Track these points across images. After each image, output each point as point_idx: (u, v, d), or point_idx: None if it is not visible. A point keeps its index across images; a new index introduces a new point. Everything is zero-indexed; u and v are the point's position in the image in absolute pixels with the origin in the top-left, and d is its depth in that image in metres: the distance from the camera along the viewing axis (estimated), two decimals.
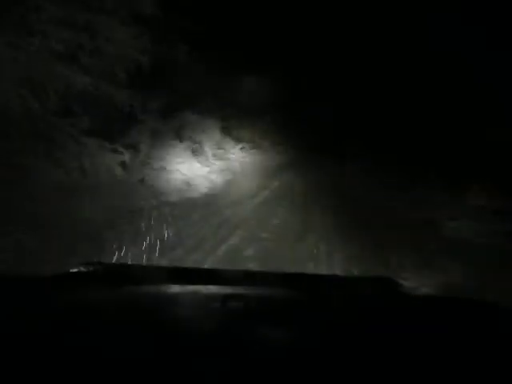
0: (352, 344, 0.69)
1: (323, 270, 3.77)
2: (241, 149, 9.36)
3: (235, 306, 0.84)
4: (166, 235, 4.24)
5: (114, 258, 3.41)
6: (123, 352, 0.61)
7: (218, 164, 7.99)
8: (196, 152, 7.74)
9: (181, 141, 7.53)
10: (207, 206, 5.66)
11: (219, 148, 8.47)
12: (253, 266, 3.70)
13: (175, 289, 1.00)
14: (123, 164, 5.99)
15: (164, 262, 3.58)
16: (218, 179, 7.30)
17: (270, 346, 0.66)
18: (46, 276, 1.02)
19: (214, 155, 8.16)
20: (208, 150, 8.11)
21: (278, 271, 1.74)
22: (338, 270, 3.82)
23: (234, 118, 9.09)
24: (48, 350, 0.60)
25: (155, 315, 0.80)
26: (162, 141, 7.09)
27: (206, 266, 3.47)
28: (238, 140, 9.42)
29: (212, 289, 1.00)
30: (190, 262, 3.68)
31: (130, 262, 3.39)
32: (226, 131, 8.94)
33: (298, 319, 0.82)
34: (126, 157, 6.15)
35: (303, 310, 0.91)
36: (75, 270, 1.10)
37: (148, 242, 3.97)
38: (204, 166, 7.49)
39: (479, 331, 0.79)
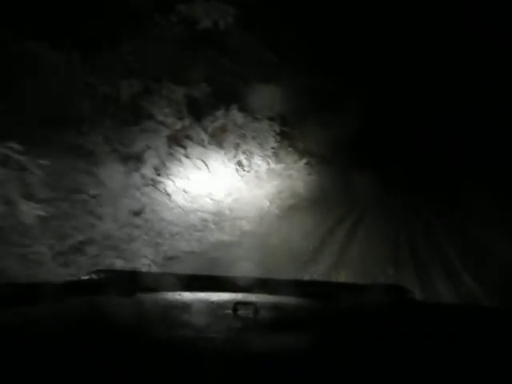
0: (362, 352, 0.69)
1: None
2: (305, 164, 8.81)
3: (246, 313, 0.84)
4: None
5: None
6: (134, 359, 0.62)
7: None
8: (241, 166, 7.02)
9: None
10: None
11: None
12: None
13: (186, 296, 1.01)
14: None
15: None
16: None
17: (280, 353, 0.67)
18: (59, 283, 1.04)
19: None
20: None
21: (290, 278, 1.71)
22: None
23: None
24: (63, 362, 0.60)
25: (166, 322, 0.81)
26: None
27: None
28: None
29: (223, 296, 1.01)
30: None
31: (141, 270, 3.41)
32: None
33: (309, 327, 0.82)
34: None
35: (314, 317, 0.92)
36: (86, 277, 1.12)
37: None
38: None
39: (491, 339, 0.77)
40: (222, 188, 6.35)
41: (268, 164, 7.67)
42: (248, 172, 7.11)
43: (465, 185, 7.98)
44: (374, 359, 0.66)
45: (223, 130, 6.77)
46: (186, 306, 0.95)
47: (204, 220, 5.37)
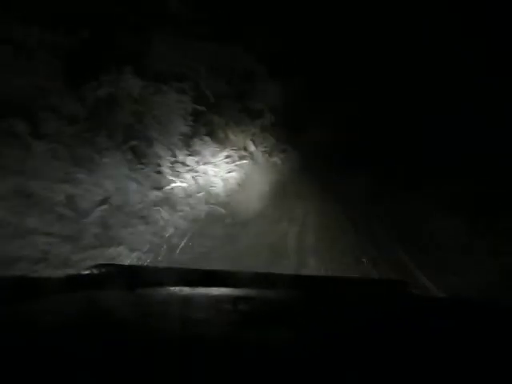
0: (363, 346, 0.68)
1: None
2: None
3: (246, 307, 0.84)
4: None
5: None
6: (135, 354, 0.60)
7: None
8: None
9: None
10: None
11: None
12: None
13: (186, 291, 1.00)
14: None
15: None
16: None
17: (279, 348, 0.66)
18: (60, 278, 1.03)
19: None
20: None
21: (290, 273, 1.66)
22: None
23: None
24: (62, 357, 0.58)
25: (167, 317, 0.80)
26: None
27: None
28: None
29: (223, 291, 1.01)
30: None
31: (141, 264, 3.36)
32: None
33: (309, 321, 0.81)
34: None
35: (313, 312, 0.89)
36: (87, 271, 1.10)
37: None
38: None
39: (492, 333, 0.76)
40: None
41: (174, 156, 5.58)
42: (144, 166, 4.88)
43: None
44: (373, 353, 0.66)
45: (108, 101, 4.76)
46: (185, 301, 0.93)
47: None
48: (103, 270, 1.13)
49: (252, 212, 6.44)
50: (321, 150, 15.01)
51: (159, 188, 4.80)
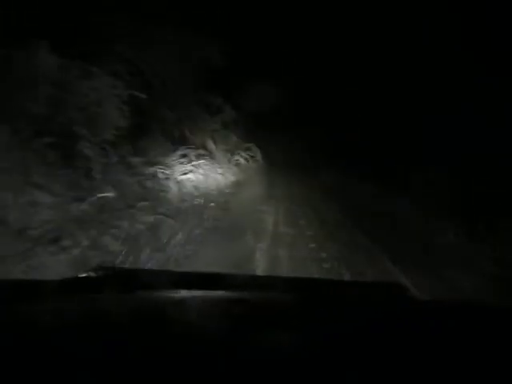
0: (358, 350, 0.68)
1: None
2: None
3: (240, 311, 0.84)
4: None
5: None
6: (130, 357, 0.60)
7: None
8: None
9: None
10: None
11: None
12: None
13: (181, 294, 0.99)
14: None
15: None
16: None
17: (275, 351, 0.65)
18: (55, 281, 1.01)
19: None
20: None
21: (284, 276, 1.61)
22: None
23: None
24: (58, 362, 0.58)
25: (161, 320, 0.79)
26: None
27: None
28: None
29: (218, 294, 1.01)
30: None
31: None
32: None
33: (304, 324, 0.80)
34: None
35: (309, 315, 0.89)
36: (84, 275, 1.09)
37: None
38: None
39: (488, 337, 0.76)
40: None
41: (106, 157, 4.47)
42: (64, 171, 3.76)
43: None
44: (368, 357, 0.66)
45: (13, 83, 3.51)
46: (183, 304, 0.91)
47: None
48: (100, 273, 1.10)
49: (211, 222, 5.40)
50: (291, 148, 14.45)
51: (83, 200, 3.63)
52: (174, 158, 6.47)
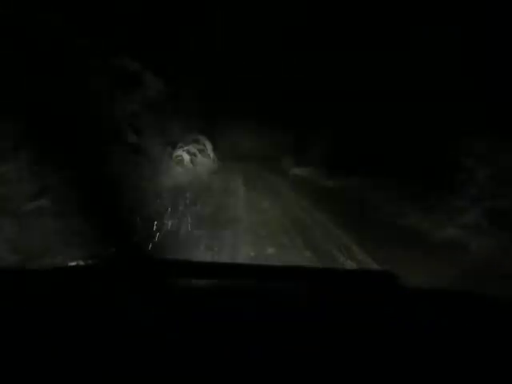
0: (352, 339, 0.69)
1: None
2: None
3: (248, 300, 0.85)
4: None
5: None
6: (128, 347, 0.61)
7: None
8: None
9: None
10: None
11: None
12: None
13: (187, 283, 1.00)
14: None
15: None
16: None
17: (270, 337, 0.67)
18: (47, 269, 1.02)
19: None
20: None
21: (276, 264, 1.46)
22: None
23: None
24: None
25: (167, 310, 0.79)
26: None
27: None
28: None
29: (224, 283, 1.01)
30: None
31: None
32: None
33: (294, 313, 0.81)
34: None
35: (302, 303, 0.90)
36: (73, 263, 1.08)
37: None
38: None
39: (480, 325, 0.79)
40: None
41: None
42: None
43: None
44: (363, 346, 0.67)
45: None
46: (186, 293, 0.92)
47: None
48: (90, 262, 1.11)
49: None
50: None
51: None
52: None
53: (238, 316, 0.76)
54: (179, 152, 6.98)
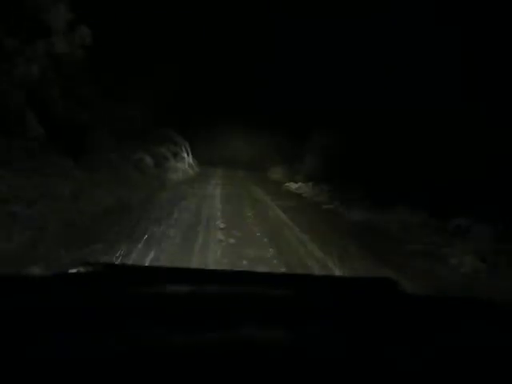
0: (350, 345, 0.69)
1: None
2: None
3: (234, 306, 0.85)
4: None
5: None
6: (120, 354, 0.59)
7: None
8: None
9: None
10: None
11: None
12: None
13: (172, 289, 0.99)
14: None
15: None
16: None
17: (265, 348, 0.65)
18: (45, 276, 1.06)
19: None
20: None
21: (274, 272, 1.70)
22: None
23: None
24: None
25: (151, 316, 0.77)
26: None
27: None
28: None
29: (208, 289, 1.01)
30: None
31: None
32: None
33: (295, 320, 0.80)
34: None
35: (300, 310, 0.89)
36: (74, 270, 1.09)
37: None
38: None
39: (480, 330, 0.79)
40: None
41: None
42: None
43: None
44: (361, 352, 0.67)
45: None
46: (173, 300, 0.90)
47: None
48: (90, 268, 1.11)
49: None
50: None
51: None
52: None
53: (237, 326, 0.73)
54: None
